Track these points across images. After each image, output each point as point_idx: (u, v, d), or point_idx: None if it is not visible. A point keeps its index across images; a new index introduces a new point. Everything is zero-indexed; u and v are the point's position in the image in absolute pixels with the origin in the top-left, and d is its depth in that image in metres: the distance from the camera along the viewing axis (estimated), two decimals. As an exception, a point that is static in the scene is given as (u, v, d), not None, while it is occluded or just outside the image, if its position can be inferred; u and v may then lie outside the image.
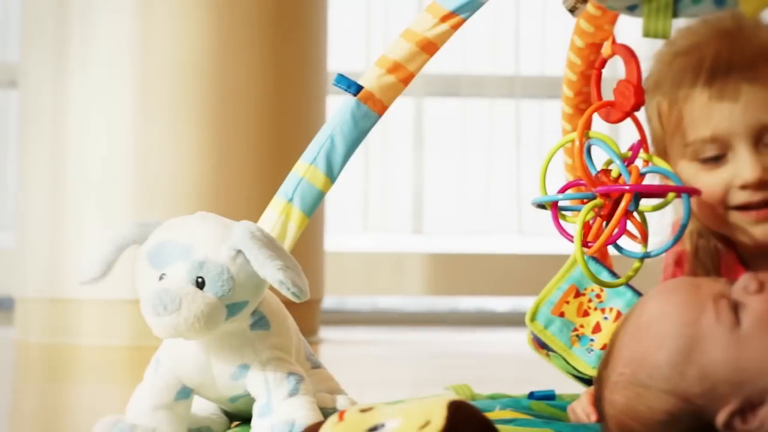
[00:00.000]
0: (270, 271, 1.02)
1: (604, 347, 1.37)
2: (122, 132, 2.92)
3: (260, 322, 1.09)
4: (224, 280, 1.03)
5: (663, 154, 1.40)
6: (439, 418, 0.75)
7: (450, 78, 3.84)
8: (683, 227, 1.22)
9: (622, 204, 1.21)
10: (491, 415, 1.33)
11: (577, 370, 1.44)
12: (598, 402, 1.09)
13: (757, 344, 0.98)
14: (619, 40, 1.29)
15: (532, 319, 1.46)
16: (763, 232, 1.28)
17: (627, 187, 1.21)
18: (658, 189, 1.23)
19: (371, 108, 1.27)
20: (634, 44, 1.34)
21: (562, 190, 1.30)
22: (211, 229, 1.05)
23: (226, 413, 1.16)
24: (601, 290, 1.45)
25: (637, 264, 1.25)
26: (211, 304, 1.02)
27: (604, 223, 1.23)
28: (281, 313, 1.12)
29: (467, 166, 3.84)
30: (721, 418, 0.97)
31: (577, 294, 1.45)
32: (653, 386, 1.00)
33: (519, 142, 3.87)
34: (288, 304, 1.03)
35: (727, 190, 1.27)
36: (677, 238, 1.24)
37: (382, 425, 0.78)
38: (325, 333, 3.40)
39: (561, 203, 1.31)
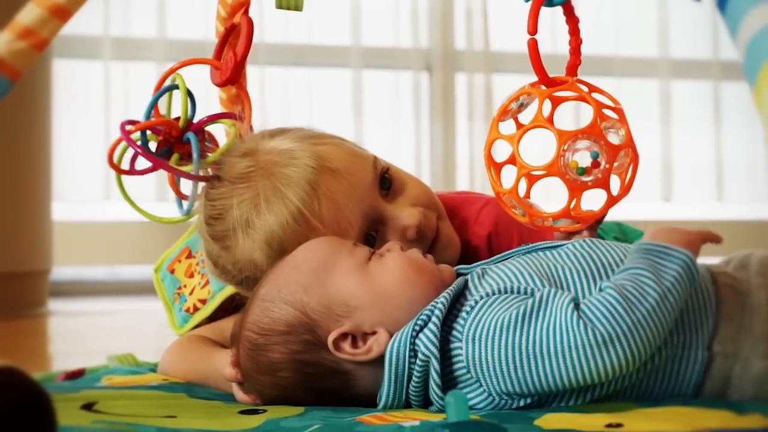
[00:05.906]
0: None
1: (188, 310, 1.42)
2: None
3: None
4: None
5: None
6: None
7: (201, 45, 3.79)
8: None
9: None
10: (140, 379, 1.34)
11: (175, 326, 1.46)
12: (234, 341, 1.13)
13: (375, 281, 1.07)
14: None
15: (157, 270, 1.50)
16: None
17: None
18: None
19: (3, 74, 1.23)
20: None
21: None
22: None
23: None
24: (208, 256, 1.49)
25: None
26: None
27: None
28: None
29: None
30: (332, 336, 1.05)
31: (189, 255, 1.48)
32: (278, 299, 1.08)
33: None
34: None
35: None
36: None
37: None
38: (59, 305, 3.32)
39: None
